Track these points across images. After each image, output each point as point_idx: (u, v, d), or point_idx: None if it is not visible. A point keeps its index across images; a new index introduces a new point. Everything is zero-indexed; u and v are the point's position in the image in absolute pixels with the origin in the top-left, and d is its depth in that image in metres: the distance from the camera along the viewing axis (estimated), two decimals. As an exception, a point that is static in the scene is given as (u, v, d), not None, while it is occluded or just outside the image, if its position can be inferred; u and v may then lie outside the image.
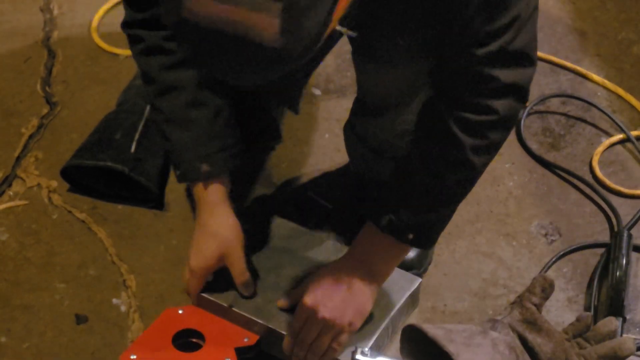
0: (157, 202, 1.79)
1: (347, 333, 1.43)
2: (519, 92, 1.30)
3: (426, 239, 1.44)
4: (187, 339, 1.50)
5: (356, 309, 1.42)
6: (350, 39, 1.41)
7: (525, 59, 1.29)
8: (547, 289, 1.48)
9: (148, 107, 1.82)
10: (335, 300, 1.41)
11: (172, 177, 1.83)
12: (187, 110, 1.46)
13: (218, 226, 1.49)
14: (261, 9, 0.98)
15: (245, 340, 1.49)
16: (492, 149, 1.35)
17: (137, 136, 1.79)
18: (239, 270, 1.50)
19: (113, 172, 1.76)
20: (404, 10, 1.28)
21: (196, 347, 1.49)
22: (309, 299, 1.42)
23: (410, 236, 1.40)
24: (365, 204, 1.49)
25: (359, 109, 1.60)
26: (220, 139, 1.48)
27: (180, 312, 1.53)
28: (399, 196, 1.39)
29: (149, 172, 1.77)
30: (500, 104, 1.29)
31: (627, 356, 1.47)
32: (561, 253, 1.72)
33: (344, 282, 1.42)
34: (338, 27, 1.13)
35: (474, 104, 1.29)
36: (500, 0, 1.23)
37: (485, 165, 1.37)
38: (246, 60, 1.02)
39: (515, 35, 1.25)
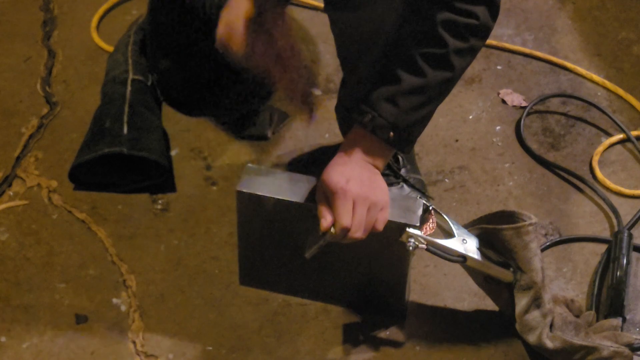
0: (168, 173, 1.80)
1: (386, 209, 1.48)
2: (492, 3, 1.44)
3: (405, 140, 1.50)
4: None
5: (384, 189, 1.48)
6: None
7: None
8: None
9: (129, 89, 1.85)
10: (364, 182, 1.46)
11: (172, 177, 1.83)
12: None
13: None
14: None
15: None
16: (470, 54, 1.48)
17: (125, 118, 1.80)
18: None
19: (121, 161, 1.77)
20: None
21: None
22: (341, 189, 1.44)
23: (391, 134, 1.47)
24: (349, 102, 1.52)
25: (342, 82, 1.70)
26: None
27: None
28: (381, 93, 1.46)
29: (149, 146, 1.78)
30: (479, 9, 1.43)
31: (626, 342, 1.51)
32: (555, 240, 1.75)
33: (363, 172, 1.48)
34: None
35: (457, 7, 1.42)
36: None
37: (463, 70, 1.48)
38: None
39: None
